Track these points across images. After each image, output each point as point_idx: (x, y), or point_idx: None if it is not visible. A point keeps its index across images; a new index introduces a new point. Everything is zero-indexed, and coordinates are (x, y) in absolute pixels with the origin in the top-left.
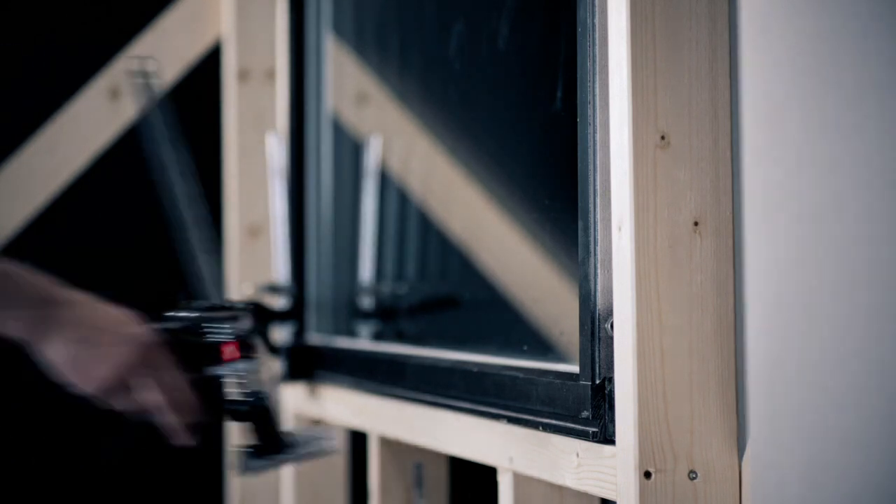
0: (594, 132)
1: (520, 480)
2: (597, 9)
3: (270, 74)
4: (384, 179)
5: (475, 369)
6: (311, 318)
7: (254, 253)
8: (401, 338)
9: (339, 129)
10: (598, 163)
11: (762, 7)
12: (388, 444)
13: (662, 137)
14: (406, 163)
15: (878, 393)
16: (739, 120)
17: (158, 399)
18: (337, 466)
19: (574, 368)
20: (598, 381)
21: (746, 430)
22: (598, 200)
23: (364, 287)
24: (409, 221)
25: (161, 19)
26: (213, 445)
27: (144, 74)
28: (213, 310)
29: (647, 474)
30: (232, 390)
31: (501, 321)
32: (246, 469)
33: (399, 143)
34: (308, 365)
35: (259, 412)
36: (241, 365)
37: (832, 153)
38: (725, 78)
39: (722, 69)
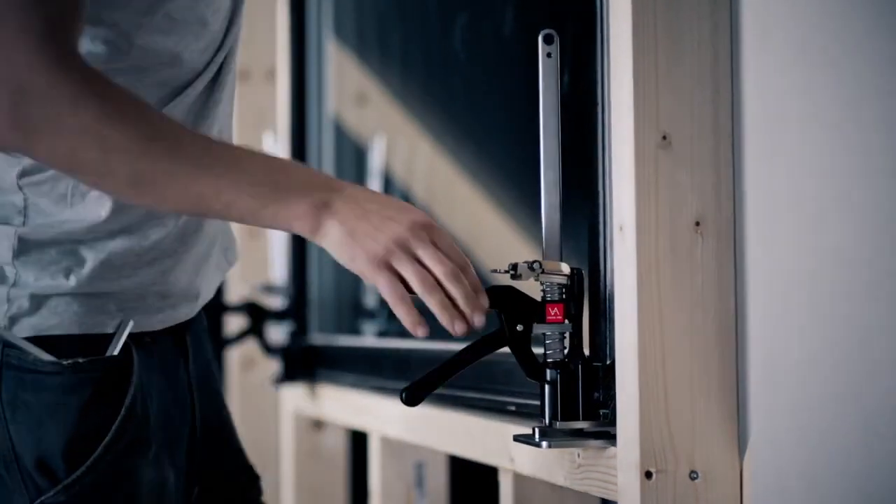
0: (604, 130)
1: (521, 481)
2: (606, 12)
3: (270, 74)
4: (386, 179)
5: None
6: (313, 317)
7: (254, 253)
8: (405, 335)
9: (340, 130)
10: (608, 157)
11: (764, 8)
12: (389, 444)
13: (664, 138)
14: (407, 163)
15: (878, 393)
16: (741, 121)
17: (430, 272)
18: (337, 466)
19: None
20: (608, 362)
21: (747, 431)
22: (608, 194)
23: (368, 285)
24: None
25: None
26: None
27: None
28: (547, 271)
29: (648, 474)
30: (549, 351)
31: None
32: (548, 441)
33: (400, 143)
34: (308, 365)
35: (573, 375)
36: (559, 328)
37: (833, 154)
38: (727, 79)
39: (724, 70)
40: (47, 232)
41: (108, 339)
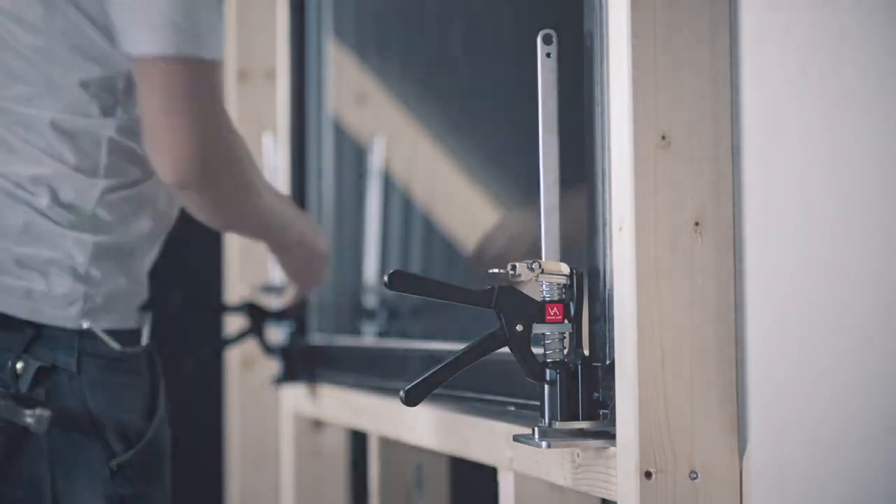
0: (604, 130)
1: (520, 480)
2: (605, 11)
3: (270, 74)
4: (386, 179)
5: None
6: (313, 317)
7: (254, 253)
8: (406, 335)
9: (340, 130)
10: (607, 157)
11: (762, 6)
12: (388, 444)
13: (663, 137)
14: (407, 162)
15: (878, 392)
16: (740, 119)
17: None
18: (337, 466)
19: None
20: (608, 362)
21: (747, 430)
22: (608, 194)
23: (369, 285)
24: (412, 220)
25: None
26: (213, 446)
27: None
28: (547, 270)
29: (648, 474)
30: (548, 351)
31: None
32: (548, 441)
33: (400, 143)
34: (308, 365)
35: (573, 375)
36: (559, 328)
37: (833, 152)
38: (726, 77)
39: (722, 69)
40: (116, 241)
41: (129, 332)
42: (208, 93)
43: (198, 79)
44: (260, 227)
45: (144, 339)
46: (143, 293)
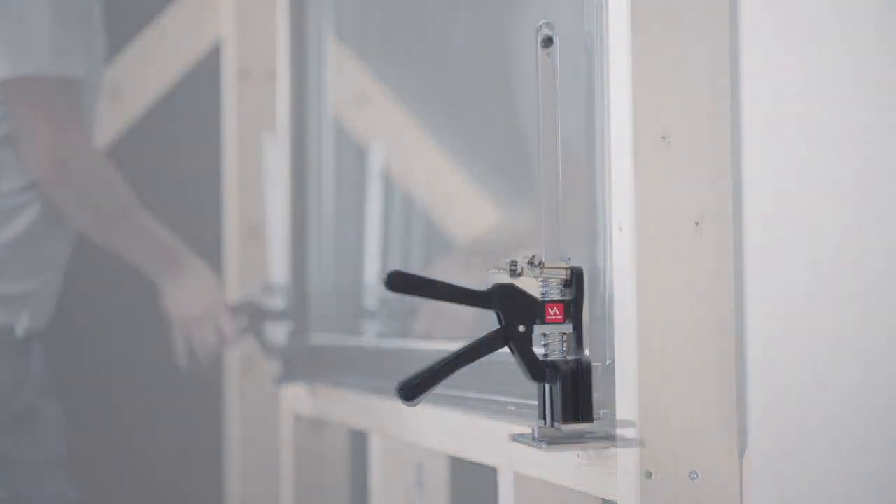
0: (604, 129)
1: (520, 480)
2: (605, 11)
3: (270, 74)
4: (386, 180)
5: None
6: (313, 317)
7: (253, 253)
8: (406, 335)
9: (340, 129)
10: (607, 157)
11: (762, 6)
12: (389, 444)
13: (663, 137)
14: (408, 164)
15: (878, 392)
16: (740, 119)
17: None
18: (337, 466)
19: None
20: (608, 362)
21: (747, 430)
22: (608, 194)
23: (369, 286)
24: (412, 220)
25: (161, 19)
26: (213, 446)
27: None
28: (547, 268)
29: (648, 474)
30: (548, 351)
31: None
32: (547, 441)
33: (401, 144)
34: (308, 364)
35: (573, 376)
36: (559, 328)
37: (832, 152)
38: (725, 77)
39: (722, 69)
40: None
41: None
42: (68, 107)
43: (59, 94)
44: (139, 250)
45: (20, 331)
46: (31, 291)
